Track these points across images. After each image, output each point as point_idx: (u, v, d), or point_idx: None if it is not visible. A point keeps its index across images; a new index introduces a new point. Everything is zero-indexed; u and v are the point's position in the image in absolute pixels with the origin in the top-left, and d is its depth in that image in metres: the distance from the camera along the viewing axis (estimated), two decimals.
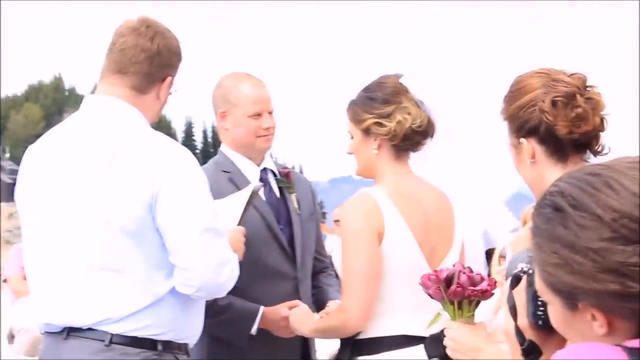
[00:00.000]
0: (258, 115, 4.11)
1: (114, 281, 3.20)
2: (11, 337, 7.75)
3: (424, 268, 3.29)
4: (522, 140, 2.63)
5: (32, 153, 3.43)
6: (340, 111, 3.65)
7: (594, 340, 1.57)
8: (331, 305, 4.03)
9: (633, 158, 1.61)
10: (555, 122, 2.57)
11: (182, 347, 3.37)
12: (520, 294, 2.03)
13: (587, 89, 2.62)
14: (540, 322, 1.97)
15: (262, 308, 3.95)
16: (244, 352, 3.98)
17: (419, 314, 3.41)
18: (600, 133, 2.63)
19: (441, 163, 3.64)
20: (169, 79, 3.41)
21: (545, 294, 1.66)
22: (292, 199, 4.22)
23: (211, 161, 4.27)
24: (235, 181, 4.08)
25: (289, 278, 4.11)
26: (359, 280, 3.40)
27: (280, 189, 4.24)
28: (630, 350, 1.51)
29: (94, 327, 3.22)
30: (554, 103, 2.57)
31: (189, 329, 3.39)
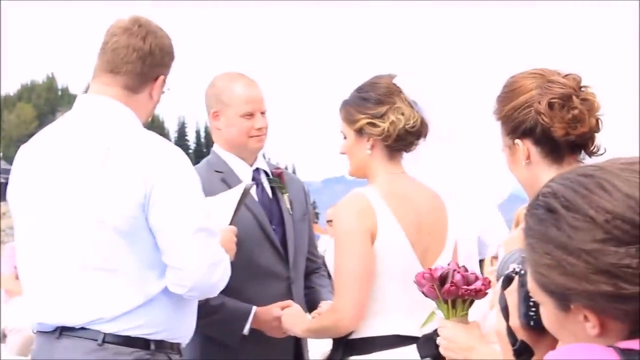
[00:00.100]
0: (250, 115, 4.11)
1: (107, 281, 3.20)
2: (3, 337, 7.74)
3: (417, 268, 3.29)
4: (517, 141, 2.63)
5: (25, 153, 3.43)
6: (334, 111, 3.66)
7: (586, 341, 1.57)
8: (323, 306, 4.03)
9: (626, 159, 1.61)
10: (552, 123, 2.57)
11: (175, 347, 3.36)
12: (512, 295, 2.03)
13: (582, 89, 2.62)
14: (532, 323, 1.97)
15: (254, 308, 3.95)
16: (237, 352, 3.98)
17: (411, 314, 3.41)
18: (596, 134, 2.64)
19: (435, 163, 3.64)
20: (161, 78, 3.41)
21: (537, 294, 1.66)
22: (285, 199, 4.22)
23: (204, 161, 4.27)
24: (228, 181, 4.08)
25: (282, 278, 4.11)
26: (352, 280, 3.40)
27: (272, 189, 4.24)
28: (622, 352, 1.52)
29: (87, 327, 3.22)
30: (550, 105, 2.56)
31: (182, 329, 3.39)
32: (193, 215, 3.20)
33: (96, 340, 3.21)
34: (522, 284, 1.97)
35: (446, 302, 2.74)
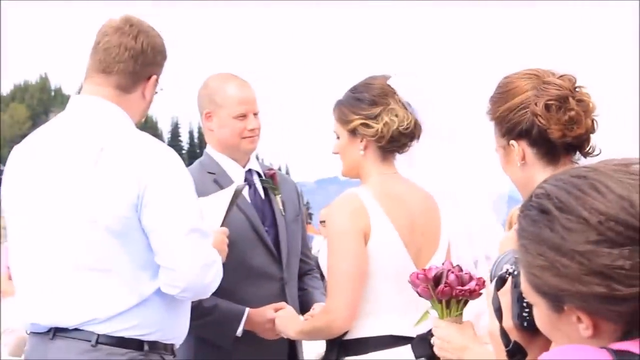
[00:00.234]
0: (243, 116, 4.11)
1: (100, 281, 3.20)
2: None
3: (410, 268, 3.28)
4: (512, 142, 2.63)
5: (18, 153, 3.42)
6: (327, 112, 3.65)
7: (580, 343, 1.57)
8: (316, 307, 4.02)
9: (619, 160, 1.61)
10: (549, 125, 2.56)
11: (169, 348, 3.36)
12: (506, 296, 2.03)
13: (577, 90, 2.62)
14: (525, 324, 1.97)
15: (247, 310, 3.95)
16: (230, 353, 3.98)
17: (405, 314, 3.41)
18: (591, 135, 2.64)
19: (429, 164, 3.64)
20: (153, 77, 3.41)
21: (530, 295, 1.66)
22: (277, 200, 4.22)
23: (196, 162, 4.27)
24: (220, 182, 4.07)
25: (275, 279, 4.11)
26: (345, 280, 3.40)
27: (265, 190, 4.23)
28: (615, 353, 1.52)
29: (80, 328, 3.22)
30: (547, 107, 2.56)
31: (175, 330, 3.38)
32: (186, 216, 3.19)
33: (90, 341, 3.20)
34: (516, 285, 1.97)
35: (440, 302, 2.74)
